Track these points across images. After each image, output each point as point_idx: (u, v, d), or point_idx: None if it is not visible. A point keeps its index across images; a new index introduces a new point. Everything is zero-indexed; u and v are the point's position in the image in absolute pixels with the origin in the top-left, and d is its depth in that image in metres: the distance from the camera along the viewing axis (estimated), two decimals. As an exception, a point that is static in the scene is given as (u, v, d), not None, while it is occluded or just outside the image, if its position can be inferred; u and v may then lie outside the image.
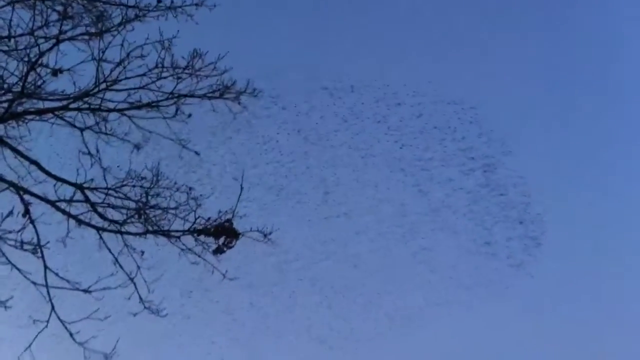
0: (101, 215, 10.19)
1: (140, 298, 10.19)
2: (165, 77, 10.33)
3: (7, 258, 8.70)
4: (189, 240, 10.52)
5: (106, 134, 10.45)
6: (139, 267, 10.26)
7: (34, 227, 8.89)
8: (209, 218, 10.57)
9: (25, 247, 8.59)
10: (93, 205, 10.04)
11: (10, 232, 8.45)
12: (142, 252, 10.43)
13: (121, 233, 10.10)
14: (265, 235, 10.66)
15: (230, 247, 10.55)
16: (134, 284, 10.10)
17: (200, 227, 10.49)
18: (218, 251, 10.55)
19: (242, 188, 10.52)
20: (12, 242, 8.55)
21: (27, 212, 8.62)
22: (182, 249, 10.53)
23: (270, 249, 10.86)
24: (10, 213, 8.46)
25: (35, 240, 8.79)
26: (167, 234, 10.42)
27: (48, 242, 8.77)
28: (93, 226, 9.76)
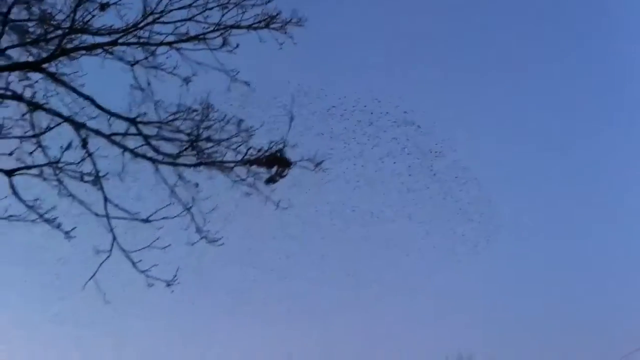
0: (155, 149, 10.33)
1: (197, 228, 10.40)
2: (211, 8, 10.27)
3: (68, 190, 8.93)
4: (241, 171, 10.61)
5: (155, 67, 10.49)
6: (194, 199, 10.44)
7: (92, 159, 9.08)
8: (260, 149, 10.62)
9: (85, 178, 8.79)
10: (146, 139, 10.17)
11: (70, 164, 8.64)
12: (197, 184, 10.59)
13: (175, 165, 10.24)
14: (316, 165, 10.70)
15: (283, 177, 10.61)
16: (191, 214, 10.29)
17: (252, 158, 10.56)
18: (270, 181, 10.62)
19: (292, 117, 10.50)
20: (73, 174, 8.76)
21: (85, 143, 8.79)
22: (235, 181, 10.62)
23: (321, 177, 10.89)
24: (69, 146, 8.64)
25: (93, 173, 8.96)
26: (220, 165, 10.50)
27: (107, 173, 8.95)
28: (148, 158, 9.91)
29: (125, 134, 9.87)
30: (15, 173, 8.63)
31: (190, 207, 10.36)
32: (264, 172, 10.67)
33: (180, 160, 10.37)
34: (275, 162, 10.55)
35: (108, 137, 9.62)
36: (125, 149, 9.84)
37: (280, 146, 10.58)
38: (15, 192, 8.73)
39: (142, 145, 10.22)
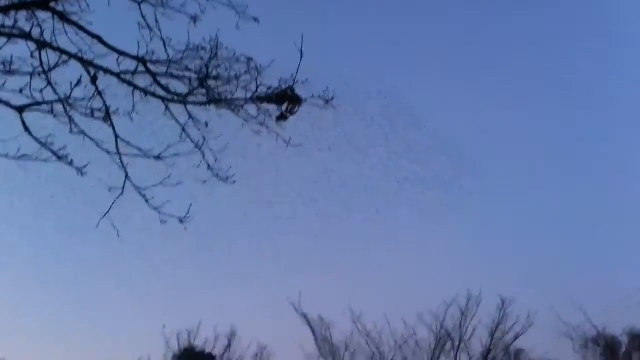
0: (164, 88, 10.30)
1: (209, 166, 10.44)
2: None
3: (79, 128, 8.95)
4: (251, 109, 10.58)
5: (163, 5, 10.37)
6: (204, 138, 10.46)
7: (102, 97, 9.07)
8: (270, 86, 10.57)
9: (96, 114, 8.79)
10: (155, 77, 10.12)
11: (80, 100, 8.64)
12: (207, 124, 10.59)
13: (185, 103, 10.22)
14: (327, 101, 10.65)
15: (293, 114, 10.58)
16: (202, 152, 10.33)
17: (262, 95, 10.52)
18: (281, 118, 10.61)
19: (302, 54, 10.39)
20: (83, 110, 8.76)
21: (94, 79, 8.76)
22: (245, 119, 10.61)
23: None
24: (79, 82, 8.61)
25: (104, 110, 8.96)
26: (229, 103, 10.48)
27: (118, 108, 8.94)
28: (158, 96, 9.89)
29: (134, 72, 9.82)
30: (27, 109, 8.64)
31: (201, 146, 10.39)
32: (274, 110, 10.65)
33: (190, 99, 10.35)
34: (286, 99, 10.51)
35: (117, 75, 9.59)
36: (134, 87, 9.81)
37: (290, 83, 10.53)
38: (27, 129, 8.76)
39: (152, 85, 10.20)
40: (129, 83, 9.62)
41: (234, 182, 10.83)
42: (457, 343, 42.87)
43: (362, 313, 43.37)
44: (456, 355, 42.88)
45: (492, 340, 42.94)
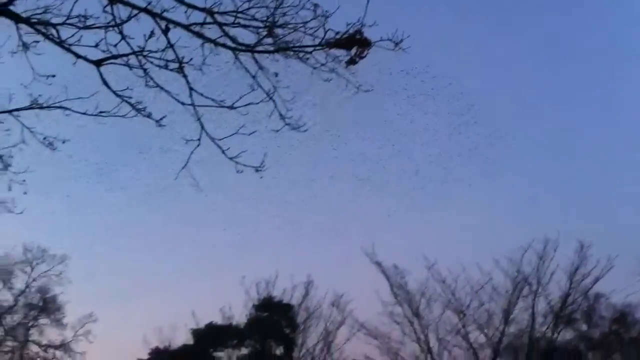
0: (232, 39, 10.35)
1: (280, 115, 10.51)
2: None
3: (154, 81, 9.12)
4: (320, 56, 10.53)
5: (228, -45, 10.33)
6: (274, 87, 10.51)
7: (174, 49, 9.18)
8: (338, 32, 10.48)
9: (170, 66, 8.92)
10: (223, 28, 10.16)
11: (154, 52, 8.78)
12: (276, 74, 10.62)
13: (254, 53, 10.25)
14: (396, 44, 10.49)
15: (363, 58, 10.47)
16: (273, 101, 10.39)
17: (331, 41, 10.43)
18: (351, 62, 10.52)
19: (368, -2, 10.20)
20: (157, 62, 8.91)
21: (167, 30, 8.87)
22: (314, 67, 10.58)
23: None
24: (152, 34, 8.74)
25: (177, 61, 9.08)
26: (298, 51, 10.45)
27: (191, 58, 9.04)
28: (227, 47, 9.94)
29: (202, 24, 9.88)
30: (104, 63, 8.86)
31: (272, 95, 10.44)
32: (342, 55, 10.57)
33: (258, 48, 10.37)
34: (354, 43, 10.39)
35: (186, 27, 9.66)
36: (204, 38, 9.88)
37: (358, 26, 10.40)
38: (105, 83, 9.00)
39: (221, 36, 10.25)
40: (198, 35, 9.68)
41: (306, 130, 10.89)
42: (534, 288, 42.50)
43: (437, 260, 43.49)
44: (534, 299, 42.57)
45: (570, 284, 42.36)
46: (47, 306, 46.04)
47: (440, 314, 43.95)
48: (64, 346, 45.57)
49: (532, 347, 42.40)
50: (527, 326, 42.89)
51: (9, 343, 45.99)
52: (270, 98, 10.34)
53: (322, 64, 10.56)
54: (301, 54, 10.46)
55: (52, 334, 46.27)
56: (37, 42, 9.39)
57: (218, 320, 50.26)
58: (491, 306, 43.02)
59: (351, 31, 10.46)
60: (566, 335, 43.93)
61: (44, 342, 46.10)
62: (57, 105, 10.26)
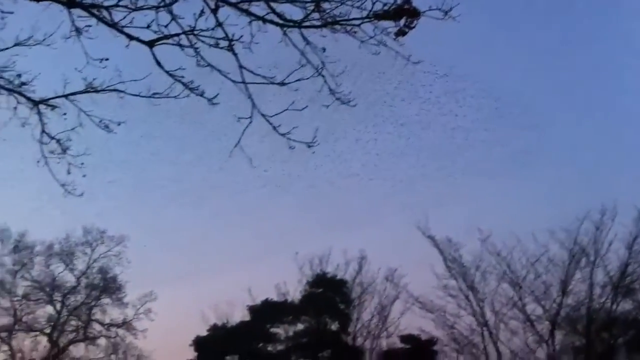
0: (280, 15, 10.34)
1: (330, 89, 10.49)
2: None
3: (205, 60, 9.20)
4: (368, 29, 10.44)
5: None
6: (323, 63, 10.48)
7: (223, 28, 9.23)
8: (385, 3, 10.37)
9: (221, 44, 8.99)
10: (270, 5, 10.15)
11: (204, 30, 8.85)
12: (324, 49, 10.58)
13: (302, 28, 10.23)
14: (445, 12, 10.33)
15: (412, 28, 10.34)
16: (323, 76, 10.37)
17: (379, 12, 10.33)
18: (400, 34, 10.39)
19: (416, -35, 10.07)
20: (208, 41, 8.98)
21: (216, 9, 8.92)
22: (362, 41, 10.50)
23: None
24: (202, 13, 8.81)
25: (227, 39, 9.14)
26: (345, 24, 10.38)
27: (241, 36, 9.09)
28: (276, 23, 9.94)
29: (250, 1, 9.89)
30: (156, 43, 8.98)
31: (321, 70, 10.42)
32: (391, 27, 10.46)
33: (305, 24, 10.34)
34: (403, 13, 10.26)
35: (235, 5, 9.69)
36: (252, 16, 9.90)
37: (407, -3, 10.27)
38: (158, 63, 9.13)
39: (268, 13, 10.26)
40: (246, 12, 9.71)
41: (355, 104, 10.86)
42: (592, 258, 41.68)
43: (491, 232, 43.00)
44: (592, 270, 41.78)
45: (629, 254, 41.39)
46: (108, 286, 47.39)
47: (495, 286, 43.61)
48: (125, 324, 46.93)
49: (591, 319, 41.72)
50: (585, 297, 42.21)
51: (73, 322, 47.63)
52: (319, 73, 10.32)
53: (371, 37, 10.47)
54: (349, 28, 10.39)
55: (113, 313, 47.69)
56: (89, 26, 9.57)
57: (273, 296, 50.99)
58: (548, 278, 42.48)
59: (399, 1, 10.34)
60: (625, 305, 43.00)
61: (107, 320, 47.59)
62: (111, 88, 10.47)
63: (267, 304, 50.33)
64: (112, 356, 47.26)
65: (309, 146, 10.25)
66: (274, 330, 50.51)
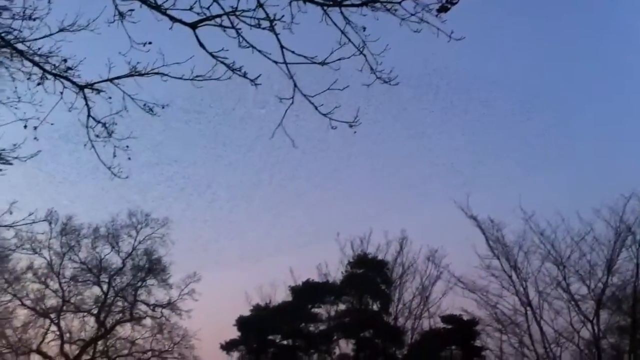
0: (319, -7, 10.30)
1: (371, 68, 10.43)
2: None
3: (246, 41, 9.23)
4: (409, 6, 10.33)
5: None
6: (364, 41, 10.41)
7: (264, 9, 9.21)
8: (427, -21, 10.24)
9: (262, 24, 9.00)
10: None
11: (246, 11, 8.87)
12: (364, 28, 10.52)
13: (342, 6, 10.16)
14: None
15: (455, 4, 10.19)
16: (364, 55, 10.31)
17: (422, -13, 10.21)
18: (442, 10, 10.26)
19: (457, -61, 9.91)
20: (250, 21, 9.00)
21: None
22: (403, 18, 10.40)
23: None
24: (243, -8, 8.81)
25: (268, 19, 9.14)
26: (386, 1, 10.28)
27: (283, 15, 9.08)
28: (316, 2, 9.90)
29: (289, -19, 9.86)
30: (199, 25, 9.03)
31: (362, 49, 10.37)
32: (433, 3, 10.33)
33: (346, 2, 10.28)
34: (444, -12, 10.13)
35: (274, -16, 9.68)
36: (293, -5, 9.88)
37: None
38: (201, 45, 9.19)
39: (307, -7, 10.23)
40: (287, -9, 9.68)
41: (397, 83, 10.78)
42: (638, 237, 40.87)
43: (534, 212, 42.46)
44: (638, 249, 40.97)
45: (677, 231, 40.47)
46: (153, 267, 48.23)
47: (539, 266, 43.14)
48: (170, 305, 47.74)
49: (637, 298, 40.98)
50: (632, 277, 41.47)
51: (119, 303, 48.62)
52: (361, 52, 10.27)
53: (412, 14, 10.34)
54: (389, 5, 10.28)
55: (159, 294, 48.55)
56: (132, 10, 9.67)
57: (315, 277, 51.36)
58: (593, 257, 41.84)
59: (440, -23, 10.21)
60: (673, 285, 42.15)
61: (152, 301, 48.48)
62: (154, 71, 10.58)
63: (308, 285, 50.74)
64: (158, 336, 48.15)
65: (351, 126, 10.24)
66: (315, 310, 50.91)
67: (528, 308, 43.03)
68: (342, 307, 50.58)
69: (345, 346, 49.37)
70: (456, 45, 10.76)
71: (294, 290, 50.84)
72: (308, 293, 50.18)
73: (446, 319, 48.71)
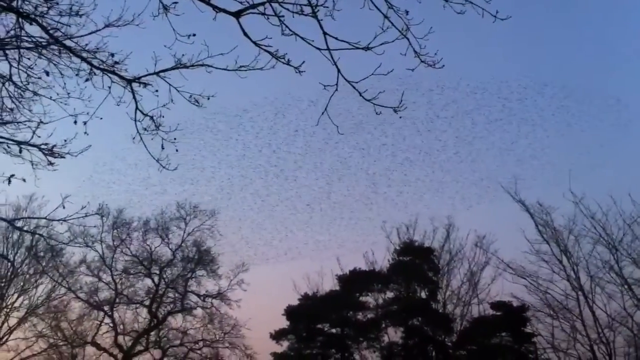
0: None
1: (415, 52, 10.34)
2: None
3: (289, 28, 9.24)
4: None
5: None
6: (407, 25, 10.33)
7: (306, -4, 9.21)
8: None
9: (305, 10, 9.00)
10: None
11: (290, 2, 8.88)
12: (407, 12, 10.43)
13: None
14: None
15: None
16: (407, 39, 10.22)
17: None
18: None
19: None
20: (292, 8, 9.01)
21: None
22: (447, 0, 10.30)
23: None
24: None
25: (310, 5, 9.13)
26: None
27: (325, 1, 9.05)
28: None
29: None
30: (243, 13, 9.08)
31: (405, 33, 10.28)
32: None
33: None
34: (488, -32, 9.98)
35: (315, -29, 9.65)
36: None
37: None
38: (245, 34, 9.25)
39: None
40: (328, -23, 9.64)
41: (442, 66, 10.65)
42: (695, 218, 39.68)
43: (584, 195, 41.56)
44: (693, 231, 39.77)
45: None
46: (202, 258, 48.88)
47: (590, 250, 42.25)
48: (220, 295, 48.34)
49: (693, 281, 39.85)
50: (688, 259, 40.31)
51: (170, 294, 49.44)
52: (404, 36, 10.18)
53: (457, -5, 10.24)
54: (432, -13, 10.18)
55: (208, 284, 49.20)
56: (176, 2, 9.79)
57: (362, 265, 51.34)
58: (646, 239, 40.74)
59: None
60: None
61: (202, 292, 49.17)
62: (199, 63, 10.69)
63: (355, 273, 50.75)
64: (209, 326, 48.82)
65: (396, 111, 10.18)
66: (363, 298, 50.90)
67: (580, 293, 42.23)
68: (389, 295, 50.47)
69: (394, 334, 49.25)
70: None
71: (341, 279, 50.92)
72: (355, 281, 50.20)
73: (495, 305, 48.12)
